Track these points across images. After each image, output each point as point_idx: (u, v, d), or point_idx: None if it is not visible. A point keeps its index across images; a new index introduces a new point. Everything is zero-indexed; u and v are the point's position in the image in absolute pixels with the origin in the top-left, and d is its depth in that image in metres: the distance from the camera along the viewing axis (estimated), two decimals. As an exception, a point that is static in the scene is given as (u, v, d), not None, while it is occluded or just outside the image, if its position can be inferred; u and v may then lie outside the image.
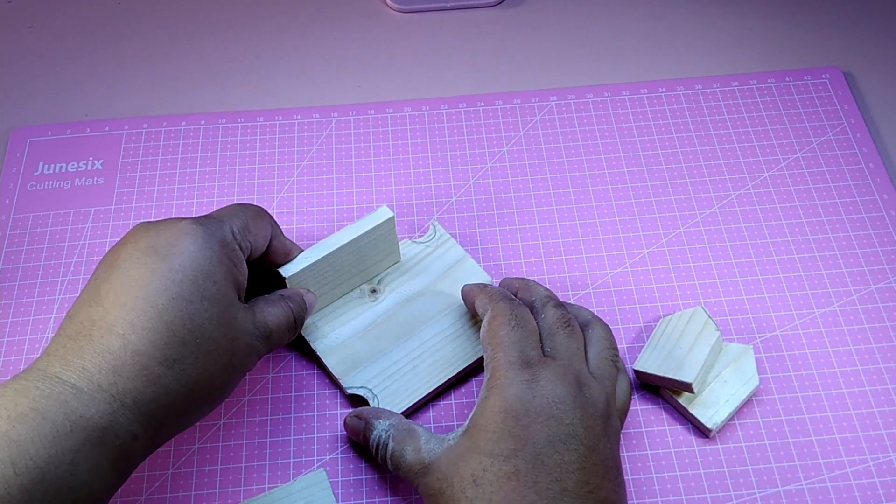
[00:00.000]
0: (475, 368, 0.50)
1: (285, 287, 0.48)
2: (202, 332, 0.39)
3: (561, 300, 0.47)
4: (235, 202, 0.47)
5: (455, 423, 0.49)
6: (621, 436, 0.46)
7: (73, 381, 0.36)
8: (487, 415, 0.40)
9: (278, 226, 0.48)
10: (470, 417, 0.41)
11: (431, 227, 0.55)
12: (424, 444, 0.42)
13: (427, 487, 0.41)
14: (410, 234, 0.56)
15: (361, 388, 0.49)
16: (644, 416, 0.49)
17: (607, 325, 0.46)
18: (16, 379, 0.37)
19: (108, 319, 0.38)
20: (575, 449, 0.39)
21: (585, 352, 0.44)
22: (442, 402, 0.50)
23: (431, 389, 0.49)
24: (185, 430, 0.42)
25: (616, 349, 0.45)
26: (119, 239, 0.43)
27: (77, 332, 0.38)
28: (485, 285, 0.48)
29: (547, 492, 0.38)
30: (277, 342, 0.45)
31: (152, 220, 0.43)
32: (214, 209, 0.57)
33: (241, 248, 0.43)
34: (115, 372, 0.37)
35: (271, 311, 0.44)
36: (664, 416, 0.49)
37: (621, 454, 0.47)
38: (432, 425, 0.49)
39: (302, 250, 0.48)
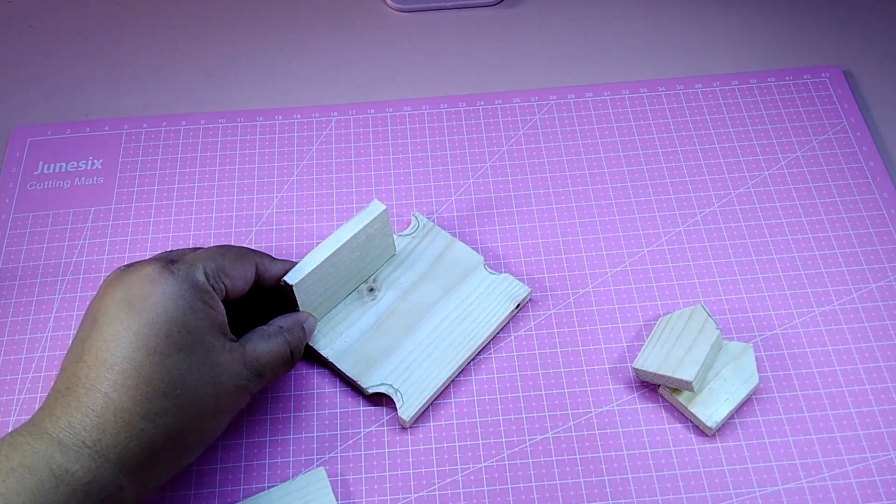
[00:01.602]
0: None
1: (291, 295, 0.48)
2: (181, 384, 0.40)
3: None
4: (217, 245, 0.46)
5: (464, 419, 0.49)
6: (620, 433, 0.47)
7: (60, 437, 0.38)
8: None
9: (268, 255, 0.48)
10: None
11: (413, 218, 0.56)
12: None
13: None
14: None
15: (382, 384, 0.49)
16: (644, 414, 0.49)
17: None
18: (13, 433, 0.39)
19: (91, 377, 0.39)
20: None
21: None
22: (449, 401, 0.50)
23: (452, 372, 0.49)
24: (178, 471, 0.43)
25: None
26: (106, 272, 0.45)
27: (66, 388, 0.40)
28: None
29: None
30: (271, 378, 0.45)
31: (126, 263, 0.45)
32: (213, 209, 0.58)
33: (214, 289, 0.43)
34: (98, 429, 0.38)
35: (264, 347, 0.44)
36: (664, 414, 0.49)
37: (621, 452, 0.48)
38: (443, 423, 0.49)
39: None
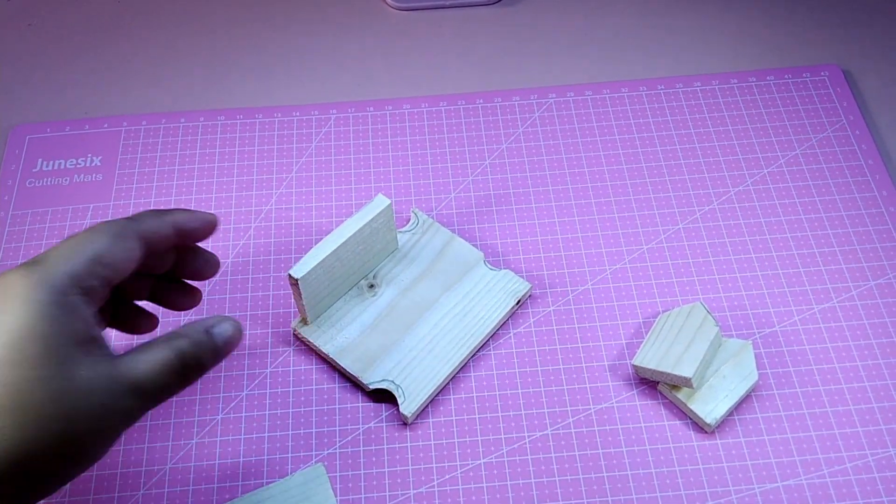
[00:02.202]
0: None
1: (296, 288, 0.47)
2: (25, 398, 0.34)
3: None
4: (88, 227, 0.40)
5: (463, 416, 0.49)
6: (619, 430, 0.47)
7: None
8: None
9: (162, 211, 0.43)
10: None
11: (413, 214, 0.56)
12: None
13: None
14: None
15: (383, 381, 0.49)
16: (643, 411, 0.49)
17: None
18: None
19: None
20: None
21: None
22: (448, 397, 0.50)
23: (453, 368, 0.49)
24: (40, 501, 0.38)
25: None
26: None
27: None
28: None
29: None
30: (160, 393, 0.38)
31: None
32: (213, 207, 0.58)
33: (85, 289, 0.37)
34: None
35: (144, 359, 0.38)
36: (663, 411, 0.49)
37: (620, 449, 0.48)
38: (442, 419, 0.49)
39: (215, 215, 0.45)
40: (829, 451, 0.47)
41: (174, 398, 0.49)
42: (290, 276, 0.47)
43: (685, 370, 0.47)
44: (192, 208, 0.46)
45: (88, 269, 0.37)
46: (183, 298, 0.47)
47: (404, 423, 0.49)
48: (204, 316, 0.47)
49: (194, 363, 0.39)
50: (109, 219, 0.41)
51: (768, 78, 0.64)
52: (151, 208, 0.46)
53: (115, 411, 0.37)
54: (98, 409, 0.36)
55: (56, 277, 0.36)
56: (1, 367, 0.34)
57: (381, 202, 0.50)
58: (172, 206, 0.58)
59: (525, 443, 0.48)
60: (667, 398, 0.49)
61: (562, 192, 0.58)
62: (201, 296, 0.48)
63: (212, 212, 0.45)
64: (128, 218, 0.41)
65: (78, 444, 0.36)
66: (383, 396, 0.49)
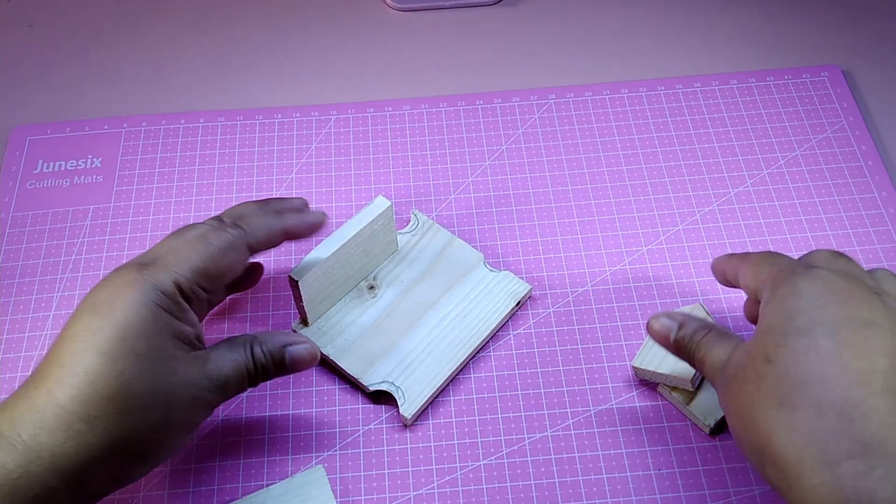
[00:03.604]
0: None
1: (296, 290, 0.47)
2: (128, 390, 0.38)
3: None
4: (203, 234, 0.43)
5: (463, 417, 0.49)
6: (619, 431, 0.47)
7: (1, 428, 0.37)
8: (777, 302, 0.38)
9: (272, 214, 0.46)
10: (760, 320, 0.39)
11: (413, 216, 0.56)
12: (730, 344, 0.41)
13: (724, 377, 0.40)
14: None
15: (383, 382, 0.49)
16: (643, 413, 0.49)
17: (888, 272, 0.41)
18: None
19: (43, 372, 0.39)
20: (880, 336, 0.35)
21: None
22: (448, 398, 0.50)
23: (453, 370, 0.49)
24: (125, 486, 0.41)
25: None
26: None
27: (28, 381, 0.39)
28: (743, 254, 0.45)
29: (850, 366, 0.34)
30: (234, 391, 0.43)
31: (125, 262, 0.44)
32: (213, 208, 0.58)
33: (189, 296, 0.42)
34: (36, 424, 0.37)
35: (230, 358, 0.43)
36: (663, 413, 0.49)
37: (620, 451, 0.48)
38: (442, 421, 0.49)
39: (325, 215, 0.49)
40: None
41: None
42: (290, 277, 0.47)
43: (685, 372, 0.47)
44: (304, 208, 0.48)
45: (195, 277, 0.42)
46: (249, 278, 0.52)
47: (404, 424, 0.49)
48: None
49: (262, 372, 0.44)
50: (220, 222, 0.44)
51: (768, 78, 0.64)
52: (264, 200, 0.47)
53: (203, 404, 0.42)
54: (190, 402, 0.41)
55: (165, 283, 0.41)
56: (112, 359, 0.38)
57: (381, 204, 0.50)
58: (172, 207, 0.58)
59: (525, 444, 0.48)
60: (666, 400, 0.49)
61: (562, 193, 0.58)
62: (262, 271, 0.52)
63: (321, 211, 0.48)
64: (240, 227, 0.44)
65: (170, 431, 0.41)
66: (383, 397, 0.50)
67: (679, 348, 0.44)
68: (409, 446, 0.48)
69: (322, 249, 0.48)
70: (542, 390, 0.50)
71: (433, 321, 0.51)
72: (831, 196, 0.58)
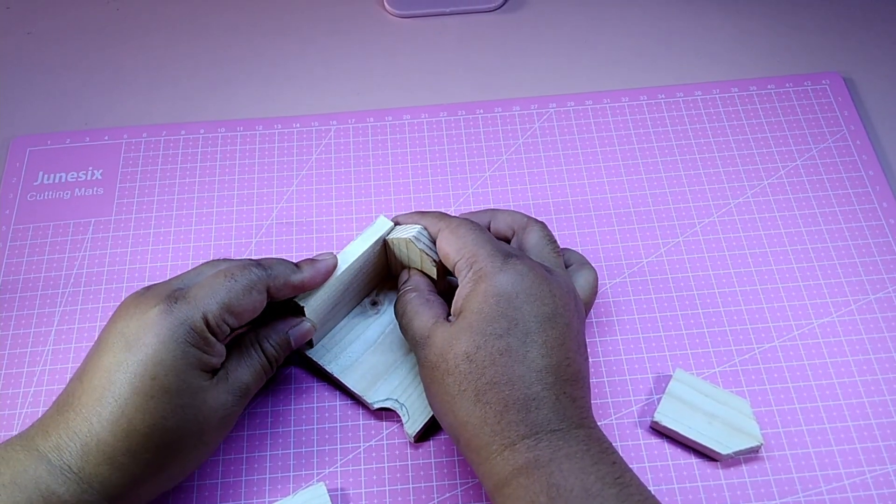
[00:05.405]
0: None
1: (302, 315, 0.48)
2: (163, 425, 0.41)
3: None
4: (225, 271, 0.44)
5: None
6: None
7: (49, 457, 0.40)
8: (480, 299, 0.43)
9: (282, 264, 0.47)
10: (459, 304, 0.44)
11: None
12: (432, 315, 0.45)
13: (424, 359, 0.44)
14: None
15: (387, 399, 0.49)
16: (648, 451, 0.49)
17: (542, 223, 0.49)
18: (7, 445, 0.41)
19: (83, 402, 0.41)
20: (558, 326, 0.42)
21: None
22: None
23: None
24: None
25: (554, 242, 0.48)
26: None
27: (63, 406, 0.41)
28: (422, 212, 0.50)
29: (534, 365, 0.41)
30: (256, 388, 0.46)
31: (146, 285, 0.46)
32: (214, 221, 0.58)
33: (216, 331, 0.43)
34: (82, 457, 0.40)
35: (248, 363, 0.46)
36: (667, 448, 0.49)
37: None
38: (443, 437, 0.49)
39: (334, 256, 0.48)
40: (826, 468, 0.48)
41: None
42: (295, 303, 0.47)
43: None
44: (315, 258, 0.48)
45: (221, 315, 0.43)
46: None
47: (406, 441, 0.49)
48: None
49: (273, 360, 0.47)
50: (246, 261, 0.46)
51: (769, 86, 0.64)
52: (285, 259, 0.48)
53: (231, 417, 0.45)
54: (219, 422, 0.44)
55: (197, 319, 0.42)
56: (146, 397, 0.40)
57: (383, 224, 0.50)
58: (173, 219, 0.58)
59: (525, 460, 0.48)
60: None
61: (561, 204, 0.58)
62: None
63: (329, 256, 0.49)
64: (263, 267, 0.46)
65: (204, 449, 0.44)
66: (384, 413, 0.50)
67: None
68: (409, 463, 0.48)
69: None
70: (542, 406, 0.50)
71: None
72: (832, 207, 0.57)
